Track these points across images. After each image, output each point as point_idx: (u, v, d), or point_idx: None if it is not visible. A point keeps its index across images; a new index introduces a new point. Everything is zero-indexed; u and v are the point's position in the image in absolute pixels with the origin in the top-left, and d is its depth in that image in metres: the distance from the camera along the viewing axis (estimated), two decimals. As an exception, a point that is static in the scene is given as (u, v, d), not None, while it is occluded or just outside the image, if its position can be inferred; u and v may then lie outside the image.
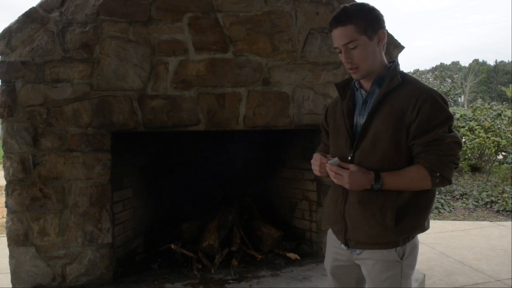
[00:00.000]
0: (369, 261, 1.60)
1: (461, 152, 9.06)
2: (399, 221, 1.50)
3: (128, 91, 2.88)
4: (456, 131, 1.49)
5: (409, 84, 1.52)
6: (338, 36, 1.51)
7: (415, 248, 1.60)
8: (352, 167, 1.49)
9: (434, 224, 5.36)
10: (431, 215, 5.86)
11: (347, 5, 1.53)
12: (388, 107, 1.49)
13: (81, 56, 2.83)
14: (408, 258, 1.57)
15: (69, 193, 2.85)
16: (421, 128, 1.43)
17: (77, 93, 2.83)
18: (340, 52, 1.54)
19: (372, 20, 1.50)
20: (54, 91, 2.81)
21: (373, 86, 1.58)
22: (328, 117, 1.78)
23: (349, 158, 1.56)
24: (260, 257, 3.30)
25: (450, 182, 1.48)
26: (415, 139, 1.45)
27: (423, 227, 1.57)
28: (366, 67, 1.53)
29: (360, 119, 1.59)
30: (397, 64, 1.59)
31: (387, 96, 1.51)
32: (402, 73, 1.57)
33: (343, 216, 1.61)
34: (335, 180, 1.54)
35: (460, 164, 9.91)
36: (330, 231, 1.79)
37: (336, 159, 1.54)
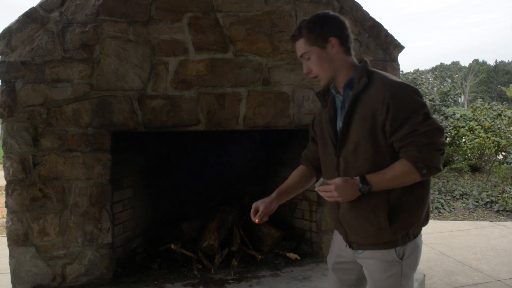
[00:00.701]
0: (370, 261, 1.61)
1: (462, 151, 8.96)
2: (393, 220, 1.50)
3: (128, 91, 2.88)
4: (434, 117, 1.46)
5: (377, 82, 1.50)
6: (296, 50, 1.61)
7: (416, 249, 1.60)
8: (336, 180, 1.49)
9: (434, 224, 5.36)
10: (431, 215, 5.87)
11: (304, 19, 1.59)
12: (361, 109, 1.50)
13: (81, 56, 2.83)
14: (409, 258, 1.57)
15: (69, 193, 2.85)
16: (395, 124, 1.43)
17: (77, 93, 2.83)
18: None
19: (320, 30, 1.53)
20: (54, 91, 2.81)
21: (346, 90, 1.58)
22: (315, 126, 1.78)
23: (336, 163, 1.58)
24: (260, 257, 3.30)
25: (438, 170, 1.45)
26: (392, 136, 1.45)
27: (420, 222, 1.56)
28: (324, 75, 1.57)
29: (341, 125, 1.60)
30: (365, 64, 1.57)
31: (359, 98, 1.51)
32: (370, 71, 1.55)
33: (340, 221, 1.64)
34: (328, 199, 1.54)
35: (460, 164, 9.92)
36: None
37: (321, 180, 1.53)
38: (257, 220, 1.71)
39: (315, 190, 1.59)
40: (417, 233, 1.60)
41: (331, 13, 1.58)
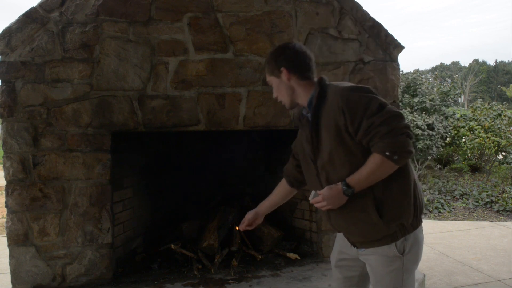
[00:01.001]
0: (372, 257, 1.66)
1: (462, 151, 8.95)
2: (382, 213, 1.56)
3: (128, 91, 2.88)
4: (390, 105, 1.54)
5: (330, 92, 1.63)
6: None
7: (416, 243, 1.64)
8: (323, 190, 1.60)
9: (434, 224, 5.36)
10: (431, 215, 5.87)
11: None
12: (324, 121, 1.61)
13: (81, 56, 2.83)
14: (410, 253, 1.61)
15: (69, 193, 2.85)
16: (354, 124, 1.51)
17: (77, 93, 2.83)
18: None
19: (274, 63, 1.75)
20: (54, 91, 2.81)
21: (309, 109, 1.71)
22: (297, 146, 1.91)
23: (316, 175, 1.69)
24: (260, 257, 3.30)
25: (409, 152, 1.49)
26: (356, 135, 1.53)
27: (411, 212, 1.60)
28: (285, 100, 1.78)
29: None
30: (320, 81, 1.70)
31: (319, 111, 1.63)
32: (325, 86, 1.68)
33: (335, 226, 1.74)
34: (323, 209, 1.64)
35: (460, 164, 9.92)
36: None
37: (313, 193, 1.64)
38: (237, 227, 1.89)
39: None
40: (415, 225, 1.63)
41: (285, 45, 1.78)
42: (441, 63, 74.60)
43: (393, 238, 1.59)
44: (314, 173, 1.71)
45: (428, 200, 6.42)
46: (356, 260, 1.76)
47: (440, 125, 9.35)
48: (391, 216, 1.56)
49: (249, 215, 2.00)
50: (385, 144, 1.46)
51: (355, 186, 1.54)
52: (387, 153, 1.47)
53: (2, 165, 6.31)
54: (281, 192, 2.05)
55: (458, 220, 5.66)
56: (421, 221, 1.68)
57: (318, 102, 1.64)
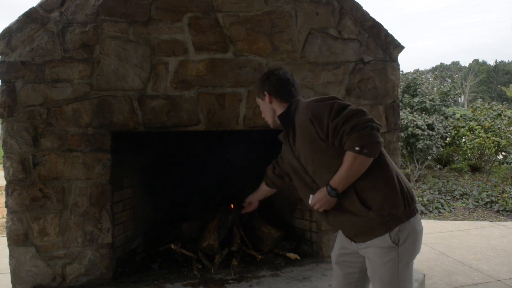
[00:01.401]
0: (369, 249, 1.72)
1: (462, 151, 8.96)
2: (370, 205, 1.65)
3: (128, 91, 2.88)
4: (351, 106, 1.67)
5: (300, 108, 1.80)
6: None
7: (412, 234, 1.68)
8: (315, 196, 1.76)
9: (434, 224, 5.36)
10: (431, 215, 5.87)
11: None
12: (299, 133, 1.77)
13: (81, 56, 2.83)
14: (405, 244, 1.67)
15: (69, 193, 2.85)
16: (323, 130, 1.65)
17: (77, 93, 2.83)
18: None
19: (260, 86, 1.98)
20: (54, 91, 2.81)
21: (283, 128, 1.91)
22: (284, 162, 2.06)
23: (312, 181, 1.81)
24: (260, 257, 3.30)
25: (377, 143, 1.60)
26: (328, 140, 1.66)
27: (399, 200, 1.66)
28: (268, 119, 2.00)
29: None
30: (292, 103, 1.88)
31: (295, 128, 1.80)
32: (296, 105, 1.85)
33: (332, 225, 1.83)
34: (320, 210, 1.78)
35: (460, 164, 9.92)
36: None
37: (311, 196, 1.79)
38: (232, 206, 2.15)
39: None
40: (409, 214, 1.68)
41: (270, 72, 1.99)
42: (441, 63, 74.59)
43: (386, 228, 1.64)
44: (309, 181, 1.82)
45: (428, 200, 6.42)
46: (356, 255, 1.82)
47: (440, 125, 9.35)
48: (378, 206, 1.63)
49: (248, 199, 2.44)
50: (352, 140, 1.57)
51: (337, 186, 1.66)
52: (356, 148, 1.57)
53: (2, 165, 6.31)
54: (264, 188, 2.41)
55: (458, 220, 5.67)
56: (417, 211, 1.73)
57: (284, 120, 1.86)
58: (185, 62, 2.94)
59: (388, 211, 1.63)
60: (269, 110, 1.96)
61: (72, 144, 2.84)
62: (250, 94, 3.03)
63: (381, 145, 1.62)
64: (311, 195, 1.79)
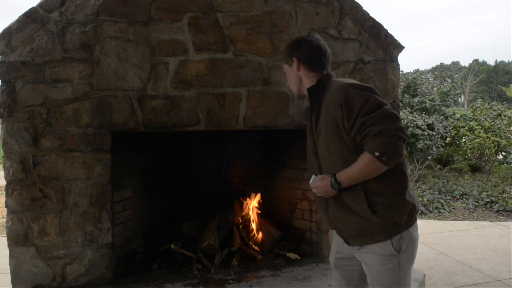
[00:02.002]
0: (368, 255, 1.67)
1: (462, 151, 8.94)
2: (376, 210, 1.59)
3: (128, 91, 2.88)
4: (387, 106, 1.56)
5: (332, 87, 1.68)
6: None
7: (412, 242, 1.66)
8: (317, 178, 1.71)
9: (434, 224, 5.36)
10: (431, 215, 5.87)
11: None
12: (324, 114, 1.68)
13: (81, 56, 2.83)
14: (406, 252, 1.64)
15: (69, 193, 2.85)
16: (350, 120, 1.56)
17: (77, 93, 2.83)
18: None
19: (289, 51, 1.85)
20: (54, 91, 2.81)
21: (309, 101, 1.79)
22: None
23: (318, 166, 1.76)
24: (260, 257, 3.30)
25: (399, 155, 1.53)
26: (351, 131, 1.58)
27: (405, 210, 1.62)
28: (293, 87, 1.87)
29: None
30: (324, 76, 1.77)
31: (322, 105, 1.70)
32: (325, 80, 1.75)
33: (330, 219, 1.76)
34: (317, 195, 1.75)
35: (460, 164, 9.92)
36: None
37: (313, 177, 1.75)
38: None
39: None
40: (409, 223, 1.65)
41: (302, 38, 1.87)
42: (441, 63, 74.59)
43: (386, 235, 1.61)
44: (316, 165, 1.77)
45: (428, 200, 6.42)
46: (353, 259, 1.78)
47: (440, 125, 9.35)
48: (384, 213, 1.59)
49: None
50: (375, 144, 1.50)
51: (342, 182, 1.61)
52: (376, 154, 1.51)
53: (2, 165, 6.30)
54: None
55: (458, 220, 5.67)
56: (416, 220, 1.70)
57: (315, 95, 1.73)
58: (185, 62, 2.94)
59: (391, 218, 1.59)
60: (296, 78, 1.83)
61: (72, 144, 2.84)
62: (250, 94, 3.03)
63: (402, 158, 1.56)
64: (313, 176, 1.74)
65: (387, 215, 1.59)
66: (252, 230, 3.56)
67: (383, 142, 1.49)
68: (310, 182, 1.75)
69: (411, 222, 1.66)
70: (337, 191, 1.64)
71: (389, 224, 1.60)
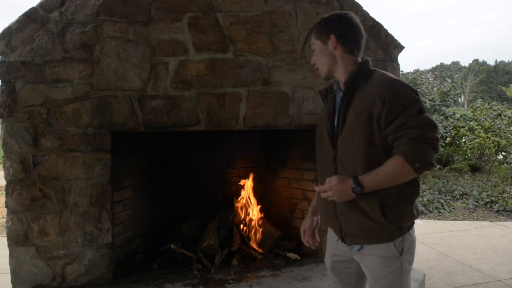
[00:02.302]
0: (370, 258, 1.64)
1: (462, 151, 8.96)
2: (385, 213, 1.55)
3: (128, 91, 2.88)
4: (428, 114, 1.50)
5: (375, 78, 1.58)
6: None
7: (413, 244, 1.65)
8: (332, 179, 1.56)
9: (434, 224, 5.36)
10: (431, 215, 5.87)
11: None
12: (358, 103, 1.57)
13: (81, 56, 2.83)
14: (407, 253, 1.62)
15: (69, 193, 2.85)
16: (389, 117, 1.48)
17: (77, 93, 2.83)
18: None
19: (325, 27, 1.67)
20: (54, 91, 2.81)
21: (346, 86, 1.64)
22: (318, 124, 1.84)
23: (333, 155, 1.65)
24: (260, 257, 3.30)
25: (431, 164, 1.47)
26: (386, 128, 1.50)
27: (411, 215, 1.60)
28: (322, 68, 1.70)
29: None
30: (365, 62, 1.68)
31: (356, 93, 1.59)
32: (369, 69, 1.65)
33: (336, 214, 1.67)
34: (328, 199, 1.62)
35: (460, 164, 9.92)
36: (330, 229, 1.87)
37: (327, 180, 1.60)
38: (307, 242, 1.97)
39: (315, 190, 1.63)
40: (410, 226, 1.64)
41: (341, 14, 1.71)
42: (441, 63, 74.60)
43: (389, 237, 1.59)
44: (331, 154, 1.66)
45: (428, 200, 6.42)
46: (349, 261, 1.75)
47: (440, 125, 9.36)
48: (393, 217, 1.56)
49: (306, 224, 2.03)
50: (411, 149, 1.44)
51: (366, 186, 1.51)
52: (410, 158, 1.44)
53: (2, 165, 6.30)
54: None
55: (458, 220, 5.67)
56: (414, 222, 1.69)
57: (355, 81, 1.61)
58: (185, 62, 2.94)
59: (398, 223, 1.58)
60: (329, 57, 1.67)
61: (72, 144, 2.84)
62: (250, 94, 3.03)
63: (432, 168, 1.50)
64: (327, 179, 1.59)
65: (396, 219, 1.56)
66: (252, 221, 3.57)
67: (419, 149, 1.43)
68: (325, 184, 1.59)
69: (411, 225, 1.66)
70: (356, 195, 1.54)
71: (393, 227, 1.58)
